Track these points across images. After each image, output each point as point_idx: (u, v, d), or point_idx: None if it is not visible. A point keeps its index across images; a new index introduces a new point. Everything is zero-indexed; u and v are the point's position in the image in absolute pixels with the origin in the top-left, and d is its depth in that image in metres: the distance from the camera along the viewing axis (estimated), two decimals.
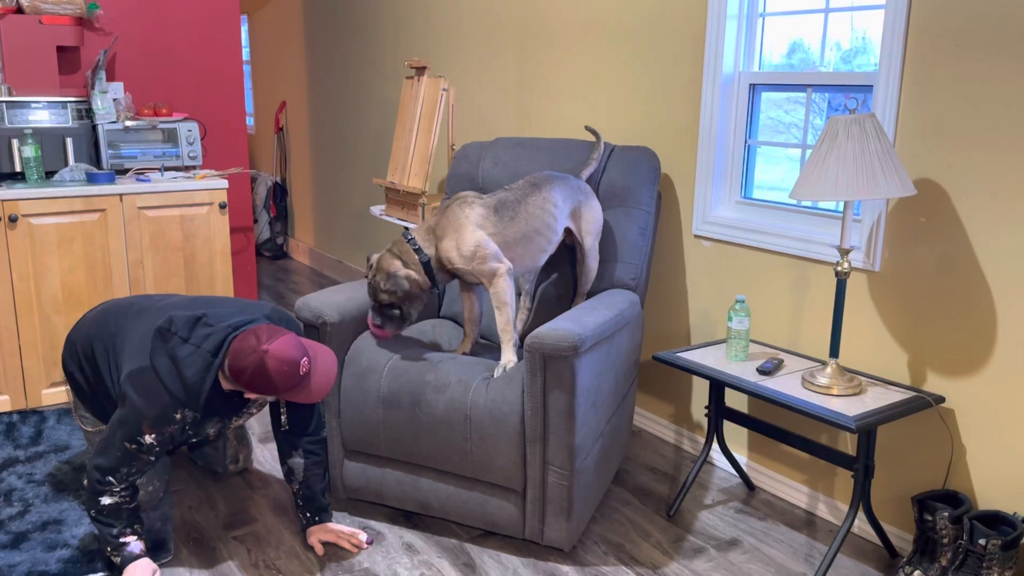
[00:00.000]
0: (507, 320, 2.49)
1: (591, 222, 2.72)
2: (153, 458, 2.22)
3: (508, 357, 2.45)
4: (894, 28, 2.32)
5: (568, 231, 2.72)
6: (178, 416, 2.19)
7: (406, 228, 3.86)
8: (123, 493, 2.21)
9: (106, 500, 2.20)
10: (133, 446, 2.17)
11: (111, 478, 2.18)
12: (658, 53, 3.08)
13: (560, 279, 2.89)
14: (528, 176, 2.70)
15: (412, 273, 2.47)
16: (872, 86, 2.47)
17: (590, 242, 2.73)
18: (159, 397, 2.16)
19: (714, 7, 2.82)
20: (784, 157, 2.87)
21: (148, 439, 2.17)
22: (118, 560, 2.23)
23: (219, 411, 2.29)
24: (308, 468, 2.45)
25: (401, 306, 2.49)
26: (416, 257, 2.49)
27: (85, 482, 2.22)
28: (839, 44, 2.63)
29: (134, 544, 2.24)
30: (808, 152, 2.73)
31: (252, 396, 2.25)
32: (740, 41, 2.85)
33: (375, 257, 2.53)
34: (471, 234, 2.47)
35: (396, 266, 2.46)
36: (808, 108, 2.72)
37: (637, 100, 3.20)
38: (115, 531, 2.23)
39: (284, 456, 2.46)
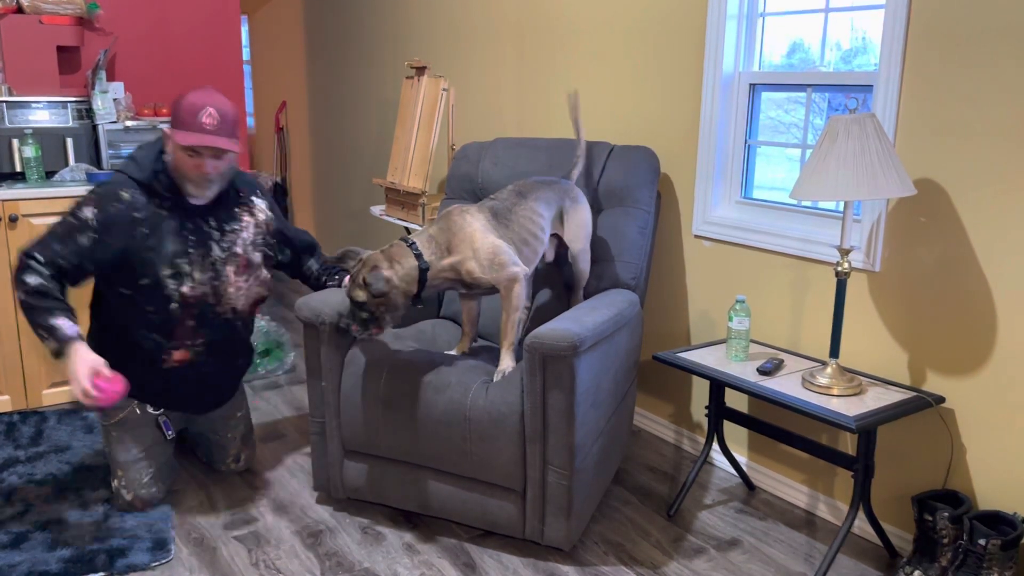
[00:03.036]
0: (514, 325, 2.45)
1: (579, 226, 2.69)
2: (87, 242, 2.19)
3: (508, 363, 2.43)
4: (894, 28, 2.32)
5: (557, 236, 2.70)
6: (125, 196, 2.18)
7: (408, 232, 3.86)
8: (47, 273, 2.18)
9: (31, 279, 2.17)
10: (71, 218, 2.15)
11: (36, 253, 2.18)
12: (658, 53, 3.08)
13: (556, 282, 2.89)
14: (514, 184, 2.63)
15: (395, 277, 2.34)
16: (872, 86, 2.47)
17: (578, 246, 2.69)
18: (110, 181, 2.24)
19: (714, 7, 2.82)
20: (784, 157, 2.87)
21: (87, 212, 2.16)
22: (53, 346, 2.19)
23: (173, 210, 2.30)
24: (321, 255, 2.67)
25: (373, 309, 2.35)
26: (413, 263, 2.37)
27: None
28: (839, 44, 2.63)
29: (67, 326, 2.19)
30: (808, 152, 2.73)
31: (191, 182, 2.32)
32: (740, 41, 2.85)
33: (367, 254, 2.43)
34: (486, 240, 2.41)
35: (383, 266, 2.34)
36: (808, 108, 2.72)
37: (637, 100, 3.20)
38: (44, 316, 2.19)
39: (305, 270, 2.72)
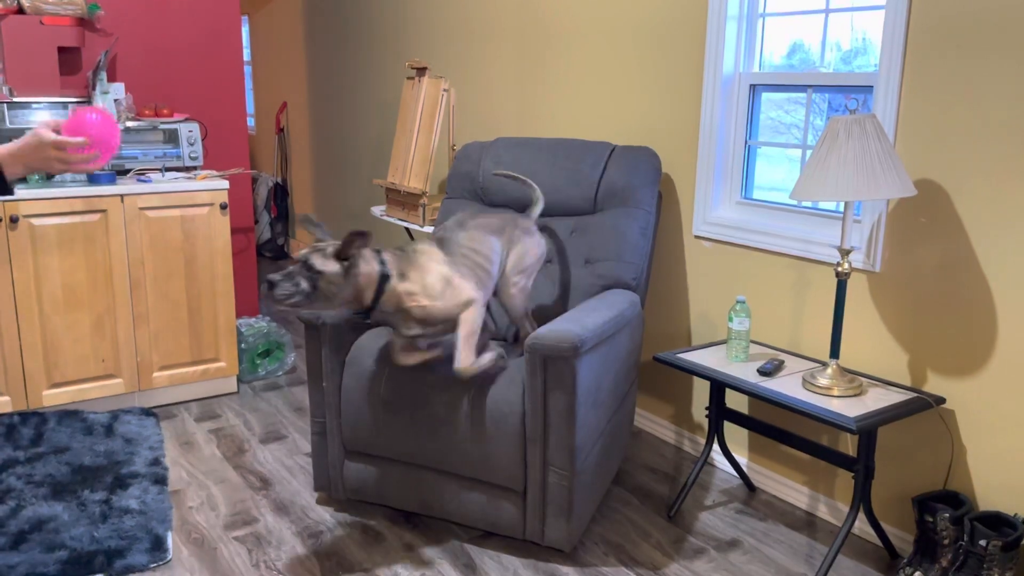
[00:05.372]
0: (468, 343, 2.33)
1: (519, 256, 2.58)
2: None
3: (489, 355, 2.37)
4: (894, 29, 2.31)
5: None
6: None
7: (408, 232, 3.86)
8: None
9: None
10: None
11: None
12: (659, 53, 3.08)
13: (555, 282, 2.89)
14: (461, 212, 2.55)
15: (331, 271, 2.23)
16: (872, 87, 2.47)
17: (515, 278, 2.56)
18: None
19: (714, 7, 2.82)
20: (784, 158, 2.87)
21: None
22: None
23: None
24: None
25: (317, 284, 2.23)
26: (376, 267, 2.29)
27: None
28: (839, 45, 2.63)
29: None
30: (808, 153, 2.72)
31: None
32: (740, 41, 2.85)
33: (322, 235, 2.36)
34: (440, 270, 2.36)
35: (327, 253, 2.25)
36: (808, 109, 2.72)
37: (638, 100, 3.20)
38: None
39: None
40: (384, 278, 2.30)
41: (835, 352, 2.35)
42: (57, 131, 1.72)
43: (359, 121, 5.31)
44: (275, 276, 2.22)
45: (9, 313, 3.20)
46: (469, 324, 2.35)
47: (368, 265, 2.29)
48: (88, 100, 3.58)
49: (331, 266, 2.24)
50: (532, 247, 2.63)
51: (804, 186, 2.21)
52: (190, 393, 3.63)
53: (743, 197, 2.95)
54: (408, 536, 2.55)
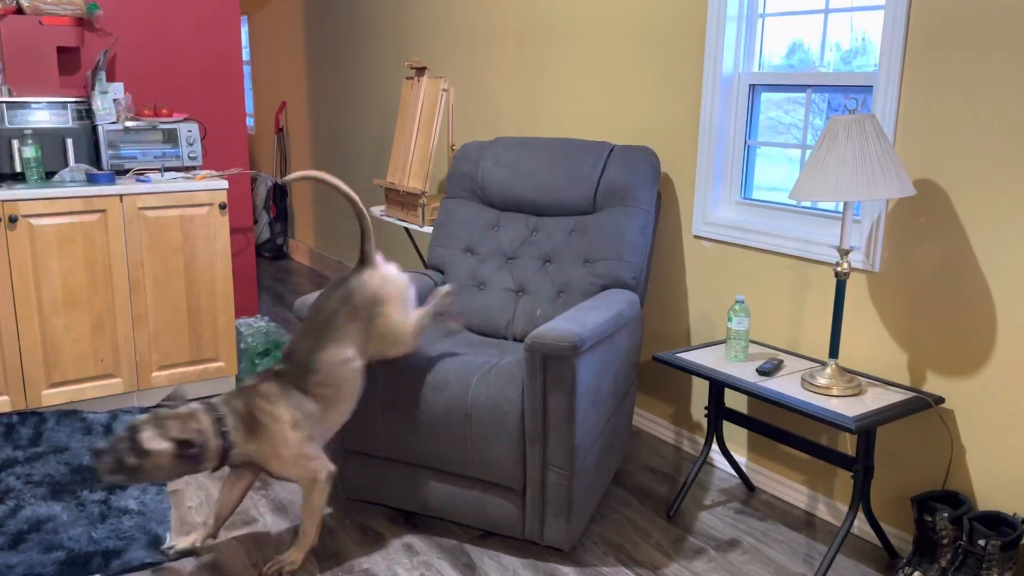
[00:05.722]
0: (314, 523, 2.27)
1: (383, 334, 2.33)
2: None
3: (296, 556, 2.30)
4: (894, 28, 2.32)
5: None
6: None
7: (408, 232, 3.86)
8: None
9: None
10: None
11: None
12: (658, 53, 3.08)
13: (554, 282, 2.89)
14: (304, 322, 2.33)
15: (160, 450, 2.05)
16: (872, 87, 2.47)
17: (388, 319, 2.33)
18: None
19: (714, 7, 2.82)
20: (784, 158, 2.87)
21: None
22: None
23: None
24: None
25: (142, 463, 2.05)
26: (212, 441, 2.12)
27: None
28: (839, 45, 2.63)
29: None
30: (808, 153, 2.73)
31: None
32: (740, 42, 2.85)
33: (185, 408, 2.16)
34: (291, 436, 2.19)
35: (165, 431, 2.08)
36: (808, 109, 2.72)
37: (637, 100, 3.20)
38: None
39: None
40: (226, 450, 2.16)
41: (834, 352, 2.35)
42: None
43: (359, 121, 5.31)
44: (102, 446, 2.06)
45: (8, 313, 3.20)
46: (313, 502, 2.25)
47: (208, 438, 2.13)
48: (87, 100, 3.58)
49: (161, 446, 2.06)
50: (393, 315, 2.34)
51: (803, 186, 2.21)
52: (189, 393, 3.63)
53: (742, 197, 2.95)
54: (408, 536, 2.55)
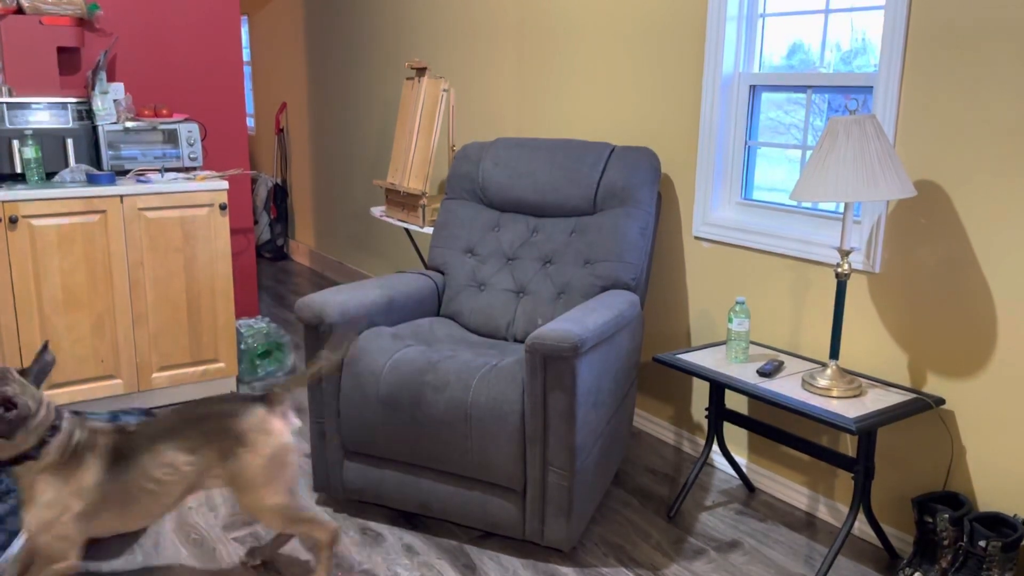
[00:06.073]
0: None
1: (249, 482, 2.07)
2: None
3: None
4: (894, 29, 2.32)
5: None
6: None
7: (408, 232, 3.85)
8: None
9: None
10: None
11: None
12: (658, 53, 3.08)
13: (553, 282, 2.89)
14: (177, 409, 2.13)
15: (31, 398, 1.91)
16: (872, 87, 2.47)
17: (255, 494, 2.09)
18: None
19: (714, 8, 2.82)
20: (784, 158, 2.87)
21: None
22: None
23: None
24: None
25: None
26: (43, 413, 1.95)
27: None
28: (839, 45, 2.63)
29: None
30: (808, 153, 2.72)
31: None
32: (740, 42, 2.85)
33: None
34: (65, 497, 1.97)
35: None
36: (808, 109, 2.72)
37: (637, 100, 3.20)
38: None
39: None
40: (28, 456, 1.95)
41: (835, 353, 2.35)
42: None
43: (359, 122, 5.31)
44: None
45: (9, 313, 3.20)
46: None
47: (32, 421, 1.94)
48: (87, 100, 3.58)
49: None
50: (271, 477, 2.09)
51: (804, 187, 2.21)
52: (189, 394, 3.63)
53: (743, 198, 2.95)
54: (408, 536, 2.55)
